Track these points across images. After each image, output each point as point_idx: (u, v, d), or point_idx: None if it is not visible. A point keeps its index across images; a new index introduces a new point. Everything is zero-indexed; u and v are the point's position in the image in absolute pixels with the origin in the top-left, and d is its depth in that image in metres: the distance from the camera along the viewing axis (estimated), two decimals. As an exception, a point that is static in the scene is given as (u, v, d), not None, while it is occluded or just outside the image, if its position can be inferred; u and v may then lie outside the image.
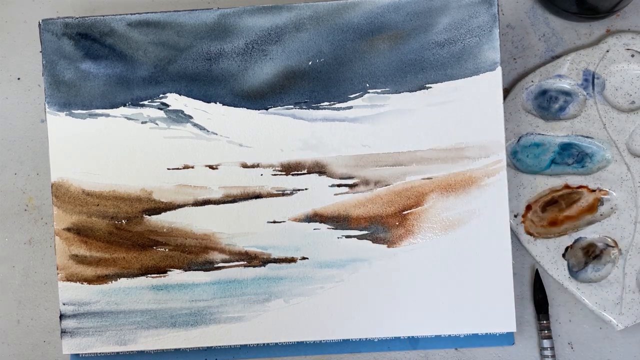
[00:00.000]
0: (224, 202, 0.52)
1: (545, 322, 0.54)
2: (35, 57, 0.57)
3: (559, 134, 0.55)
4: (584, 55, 0.55)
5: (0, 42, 0.58)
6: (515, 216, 0.55)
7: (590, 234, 0.54)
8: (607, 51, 0.55)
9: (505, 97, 0.55)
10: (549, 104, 0.55)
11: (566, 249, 0.54)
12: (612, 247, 0.54)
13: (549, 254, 0.54)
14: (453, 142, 0.52)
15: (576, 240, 0.54)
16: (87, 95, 0.52)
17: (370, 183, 0.52)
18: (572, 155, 0.55)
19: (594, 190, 0.55)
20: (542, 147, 0.55)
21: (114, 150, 0.52)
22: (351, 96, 0.52)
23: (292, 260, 0.52)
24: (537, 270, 0.55)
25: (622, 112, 0.55)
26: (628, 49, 0.55)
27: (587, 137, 0.55)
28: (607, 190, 0.54)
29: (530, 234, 0.55)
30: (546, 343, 0.54)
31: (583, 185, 0.55)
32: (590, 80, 0.55)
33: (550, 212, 0.55)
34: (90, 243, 0.52)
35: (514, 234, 0.55)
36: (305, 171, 0.52)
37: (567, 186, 0.55)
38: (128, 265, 0.52)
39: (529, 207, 0.55)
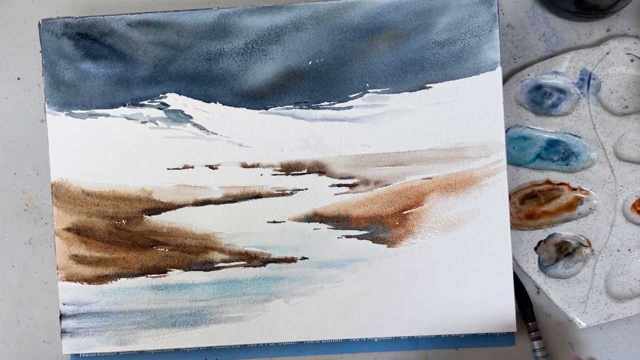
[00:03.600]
0: (224, 202, 0.52)
1: (531, 323, 0.54)
2: (35, 57, 0.57)
3: (548, 129, 0.55)
4: (583, 54, 0.55)
5: (0, 42, 0.58)
6: None
7: (565, 231, 0.54)
8: (608, 53, 0.55)
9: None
10: (542, 99, 0.55)
11: (539, 243, 0.54)
12: (586, 246, 0.54)
13: (521, 246, 0.54)
14: (453, 142, 0.52)
15: (550, 236, 0.55)
16: (87, 95, 0.52)
17: (370, 183, 0.52)
18: (559, 152, 0.55)
19: (575, 189, 0.55)
20: (530, 140, 0.55)
21: (114, 150, 0.52)
22: (351, 96, 0.52)
23: (292, 260, 0.52)
24: (515, 273, 0.54)
25: (614, 115, 0.55)
26: (629, 54, 0.55)
27: (576, 135, 0.55)
28: (588, 190, 0.55)
29: None
30: (537, 344, 0.53)
31: (564, 183, 0.55)
32: (586, 80, 0.55)
33: (529, 205, 0.55)
34: (90, 243, 0.52)
35: None
36: (305, 171, 0.52)
37: (548, 182, 0.55)
38: (128, 265, 0.52)
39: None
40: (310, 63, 0.52)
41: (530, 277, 0.54)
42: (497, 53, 0.51)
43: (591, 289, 0.54)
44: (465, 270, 0.52)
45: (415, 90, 0.52)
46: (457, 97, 0.52)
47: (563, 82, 0.55)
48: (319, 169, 0.52)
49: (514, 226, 0.55)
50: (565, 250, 0.55)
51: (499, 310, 0.52)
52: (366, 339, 0.53)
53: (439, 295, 0.52)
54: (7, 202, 0.57)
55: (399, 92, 0.52)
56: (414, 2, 0.52)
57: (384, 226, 0.52)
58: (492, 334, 0.53)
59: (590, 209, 0.55)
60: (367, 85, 0.52)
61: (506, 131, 0.55)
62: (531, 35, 0.56)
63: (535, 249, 0.54)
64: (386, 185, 0.52)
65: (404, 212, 0.52)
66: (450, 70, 0.52)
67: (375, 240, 0.52)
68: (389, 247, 0.52)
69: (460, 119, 0.52)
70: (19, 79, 0.57)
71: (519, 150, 0.55)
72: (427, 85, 0.52)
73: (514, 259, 0.54)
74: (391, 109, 0.52)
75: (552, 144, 0.55)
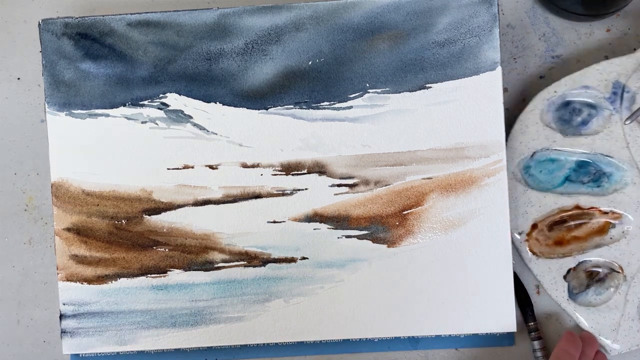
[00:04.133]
0: (224, 202, 0.52)
1: (531, 323, 0.53)
2: (35, 57, 0.57)
3: (577, 150, 0.52)
4: (616, 64, 0.51)
5: (0, 42, 0.58)
6: (520, 234, 0.53)
7: (596, 257, 0.52)
8: None
9: (523, 108, 0.53)
10: (571, 116, 0.52)
11: (568, 270, 0.52)
12: (618, 272, 0.52)
13: (549, 274, 0.52)
14: (453, 142, 0.52)
15: (580, 263, 0.52)
16: (87, 95, 0.52)
17: (370, 183, 0.52)
18: (589, 173, 0.52)
19: (606, 213, 0.52)
20: (558, 163, 0.52)
21: (114, 150, 0.52)
22: (351, 96, 0.52)
23: (292, 260, 0.52)
24: (515, 273, 0.53)
25: None
26: None
27: (607, 155, 0.51)
28: (621, 213, 0.52)
29: (534, 253, 0.53)
30: (537, 344, 0.53)
31: (595, 207, 0.52)
32: (619, 93, 0.51)
33: (557, 232, 0.53)
34: (90, 243, 0.52)
35: (517, 252, 0.54)
36: (305, 171, 0.52)
37: (577, 207, 0.52)
38: (128, 265, 0.52)
39: (534, 226, 0.53)
40: (310, 63, 0.52)
41: (560, 305, 0.52)
42: (497, 53, 0.51)
43: (623, 316, 0.51)
44: (465, 270, 0.52)
45: (415, 90, 0.52)
46: (457, 97, 0.52)
47: (593, 97, 0.52)
48: (319, 169, 0.52)
49: (542, 254, 0.53)
50: (596, 277, 0.52)
51: (499, 310, 0.52)
52: (366, 339, 0.53)
53: (438, 295, 0.52)
54: (7, 202, 0.57)
55: (399, 92, 0.52)
56: (414, 2, 0.52)
57: (384, 226, 0.52)
58: (492, 334, 0.53)
59: (623, 232, 0.52)
60: (367, 85, 0.52)
61: (532, 155, 0.53)
62: (531, 35, 0.56)
63: (564, 277, 0.52)
64: (386, 185, 0.52)
65: (404, 212, 0.52)
66: (450, 70, 0.52)
67: (375, 240, 0.52)
68: (389, 247, 0.52)
69: (460, 119, 0.52)
70: (19, 79, 0.57)
71: (546, 174, 0.52)
72: (427, 85, 0.52)
73: (543, 287, 0.53)
74: (391, 109, 0.52)
75: (581, 165, 0.52)
